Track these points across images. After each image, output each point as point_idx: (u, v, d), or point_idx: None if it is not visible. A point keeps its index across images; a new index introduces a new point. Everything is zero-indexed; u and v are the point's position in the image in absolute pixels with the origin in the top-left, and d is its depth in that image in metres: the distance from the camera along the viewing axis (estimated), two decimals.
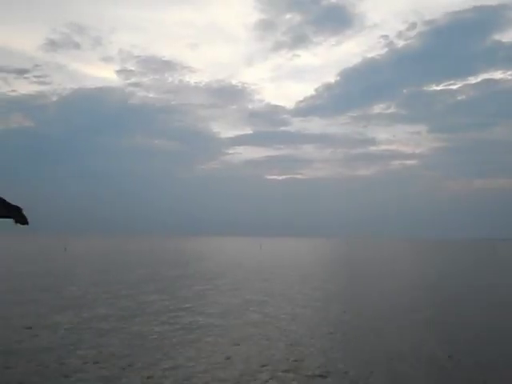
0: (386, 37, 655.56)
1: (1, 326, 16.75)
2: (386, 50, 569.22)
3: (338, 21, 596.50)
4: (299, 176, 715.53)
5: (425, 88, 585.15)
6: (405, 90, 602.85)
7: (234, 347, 14.31)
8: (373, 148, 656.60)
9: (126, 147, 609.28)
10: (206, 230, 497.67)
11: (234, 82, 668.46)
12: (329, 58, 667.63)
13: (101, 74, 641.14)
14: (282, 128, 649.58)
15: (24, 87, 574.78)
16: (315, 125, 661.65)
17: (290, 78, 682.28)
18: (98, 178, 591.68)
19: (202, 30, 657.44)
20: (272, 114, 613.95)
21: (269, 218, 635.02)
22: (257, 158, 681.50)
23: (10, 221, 12.64)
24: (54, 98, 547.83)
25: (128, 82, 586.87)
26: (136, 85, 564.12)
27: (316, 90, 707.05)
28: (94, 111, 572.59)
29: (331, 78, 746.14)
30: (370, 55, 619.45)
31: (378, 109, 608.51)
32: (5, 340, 14.66)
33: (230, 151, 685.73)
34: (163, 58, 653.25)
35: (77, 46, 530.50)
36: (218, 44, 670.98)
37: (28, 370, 11.55)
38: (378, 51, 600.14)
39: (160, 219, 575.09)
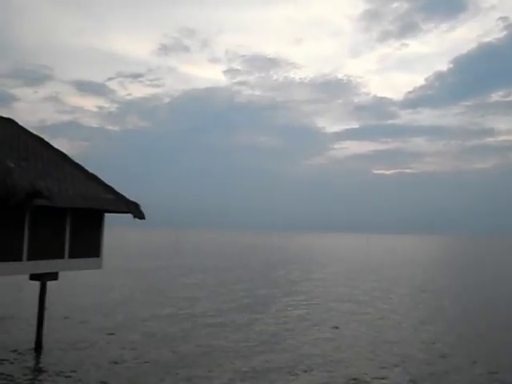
0: (504, 19, 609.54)
1: None
2: (504, 33, 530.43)
3: (450, 5, 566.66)
4: (408, 170, 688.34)
5: None
6: None
7: None
8: (490, 139, 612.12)
9: (233, 145, 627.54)
10: (313, 226, 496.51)
11: (339, 75, 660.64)
12: (440, 46, 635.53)
13: (208, 74, 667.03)
14: (390, 121, 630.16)
15: (139, 90, 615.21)
16: (426, 116, 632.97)
17: (398, 68, 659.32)
18: (206, 174, 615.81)
19: (306, 25, 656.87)
20: (379, 106, 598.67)
21: (376, 214, 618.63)
22: (363, 152, 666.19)
23: (130, 215, 14.48)
24: (166, 100, 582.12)
25: (234, 81, 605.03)
26: (242, 83, 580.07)
27: (426, 79, 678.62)
28: (202, 111, 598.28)
29: (443, 67, 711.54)
30: (486, 40, 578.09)
31: (496, 97, 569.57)
32: None
33: (336, 146, 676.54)
34: (268, 56, 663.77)
35: (186, 49, 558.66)
36: (322, 38, 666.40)
37: None
38: (495, 35, 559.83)
39: (266, 215, 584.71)
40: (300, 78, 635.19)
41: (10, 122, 14.90)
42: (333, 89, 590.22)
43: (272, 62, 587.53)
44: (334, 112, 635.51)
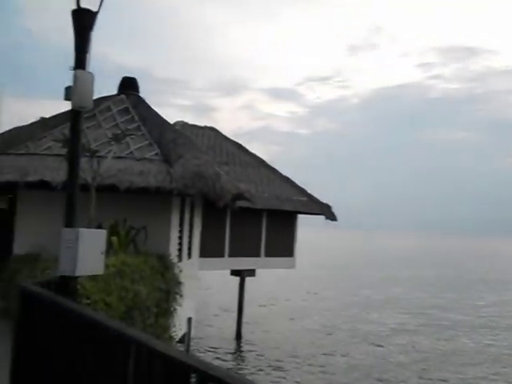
0: None
1: None
2: None
3: None
4: None
5: None
6: None
7: None
8: None
9: (427, 142, 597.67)
10: None
11: None
12: None
13: (399, 70, 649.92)
14: None
15: (327, 93, 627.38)
16: None
17: None
18: (396, 174, 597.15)
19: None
20: None
21: None
22: None
23: (322, 217, 14.80)
24: (355, 101, 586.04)
25: (427, 75, 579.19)
26: (436, 77, 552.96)
27: None
28: (393, 109, 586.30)
29: None
30: None
31: None
32: None
33: None
34: (465, 45, 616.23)
35: (374, 46, 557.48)
36: None
37: None
38: None
39: (462, 216, 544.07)
40: (505, 66, 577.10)
41: (213, 130, 16.50)
42: None
43: (470, 51, 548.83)
44: None
